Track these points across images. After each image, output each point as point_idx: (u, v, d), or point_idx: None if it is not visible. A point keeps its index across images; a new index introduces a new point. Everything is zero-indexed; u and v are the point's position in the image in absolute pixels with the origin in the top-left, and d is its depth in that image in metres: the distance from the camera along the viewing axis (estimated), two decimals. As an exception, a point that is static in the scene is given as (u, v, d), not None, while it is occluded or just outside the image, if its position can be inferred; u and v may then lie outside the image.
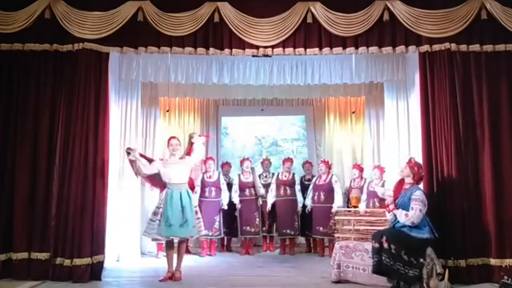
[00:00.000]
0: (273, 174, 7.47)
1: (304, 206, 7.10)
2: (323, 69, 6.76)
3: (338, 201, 6.70)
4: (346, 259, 5.14)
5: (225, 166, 7.59)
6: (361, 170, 7.00)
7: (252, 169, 7.35)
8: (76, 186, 5.22)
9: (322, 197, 6.89)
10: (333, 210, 6.39)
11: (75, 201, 5.20)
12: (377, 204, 6.30)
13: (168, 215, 5.14)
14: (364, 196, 6.54)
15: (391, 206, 4.82)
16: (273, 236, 7.44)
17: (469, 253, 5.12)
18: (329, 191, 6.89)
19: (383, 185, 6.40)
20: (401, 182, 4.95)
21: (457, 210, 5.15)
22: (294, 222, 7.13)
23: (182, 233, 5.23)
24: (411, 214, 4.56)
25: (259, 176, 7.43)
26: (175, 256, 5.39)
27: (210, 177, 7.08)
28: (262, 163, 7.73)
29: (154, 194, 6.77)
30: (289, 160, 7.45)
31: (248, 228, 7.08)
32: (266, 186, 7.29)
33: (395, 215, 4.75)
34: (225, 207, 7.00)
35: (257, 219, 7.12)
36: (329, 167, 7.13)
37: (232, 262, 6.48)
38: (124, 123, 6.64)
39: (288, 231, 7.10)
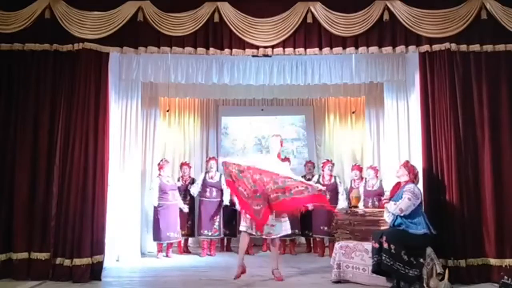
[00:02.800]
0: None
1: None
2: (323, 69, 6.76)
3: (343, 202, 6.70)
4: (346, 259, 5.14)
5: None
6: (360, 170, 7.04)
7: None
8: (76, 186, 5.22)
9: (328, 197, 6.87)
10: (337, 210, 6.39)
11: (75, 201, 5.20)
12: (376, 203, 6.31)
13: None
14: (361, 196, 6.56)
15: (384, 201, 4.87)
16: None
17: (469, 253, 5.12)
18: (334, 191, 6.91)
19: (380, 184, 6.45)
20: (397, 186, 4.98)
21: (457, 210, 5.15)
22: (294, 222, 7.12)
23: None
24: (399, 202, 4.65)
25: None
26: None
27: (211, 177, 7.09)
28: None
29: (155, 186, 6.78)
30: (286, 159, 7.44)
31: None
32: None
33: (389, 211, 4.80)
34: (228, 203, 6.99)
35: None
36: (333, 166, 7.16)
37: (232, 262, 6.45)
38: (124, 123, 6.64)
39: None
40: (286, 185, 5.11)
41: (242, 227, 5.30)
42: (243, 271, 5.15)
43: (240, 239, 5.38)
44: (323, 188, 5.50)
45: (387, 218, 4.92)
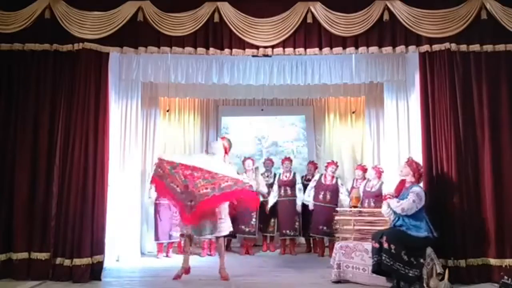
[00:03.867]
0: (274, 174, 7.46)
1: (304, 205, 7.11)
2: (323, 69, 6.76)
3: (344, 202, 6.70)
4: (346, 259, 5.15)
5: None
6: (364, 171, 7.02)
7: (256, 168, 7.33)
8: (76, 186, 5.22)
9: (328, 197, 6.88)
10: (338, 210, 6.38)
11: (75, 201, 5.20)
12: (372, 204, 6.30)
13: None
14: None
15: (388, 197, 4.87)
16: (274, 236, 7.44)
17: (469, 253, 5.12)
18: (335, 191, 6.90)
19: (380, 186, 6.43)
20: (402, 182, 4.97)
21: (457, 210, 5.16)
22: (295, 222, 7.13)
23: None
24: (403, 201, 4.64)
25: (261, 175, 7.40)
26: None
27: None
28: (264, 162, 7.71)
29: (153, 194, 6.79)
30: (287, 159, 7.45)
31: (243, 227, 7.04)
32: (268, 186, 7.25)
33: (390, 208, 4.80)
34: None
35: (254, 219, 7.08)
36: (337, 168, 7.16)
37: (232, 262, 6.45)
38: (124, 123, 6.64)
39: (289, 231, 7.10)
40: (215, 180, 5.13)
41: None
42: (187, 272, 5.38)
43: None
44: (251, 183, 5.53)
45: (385, 212, 4.91)
